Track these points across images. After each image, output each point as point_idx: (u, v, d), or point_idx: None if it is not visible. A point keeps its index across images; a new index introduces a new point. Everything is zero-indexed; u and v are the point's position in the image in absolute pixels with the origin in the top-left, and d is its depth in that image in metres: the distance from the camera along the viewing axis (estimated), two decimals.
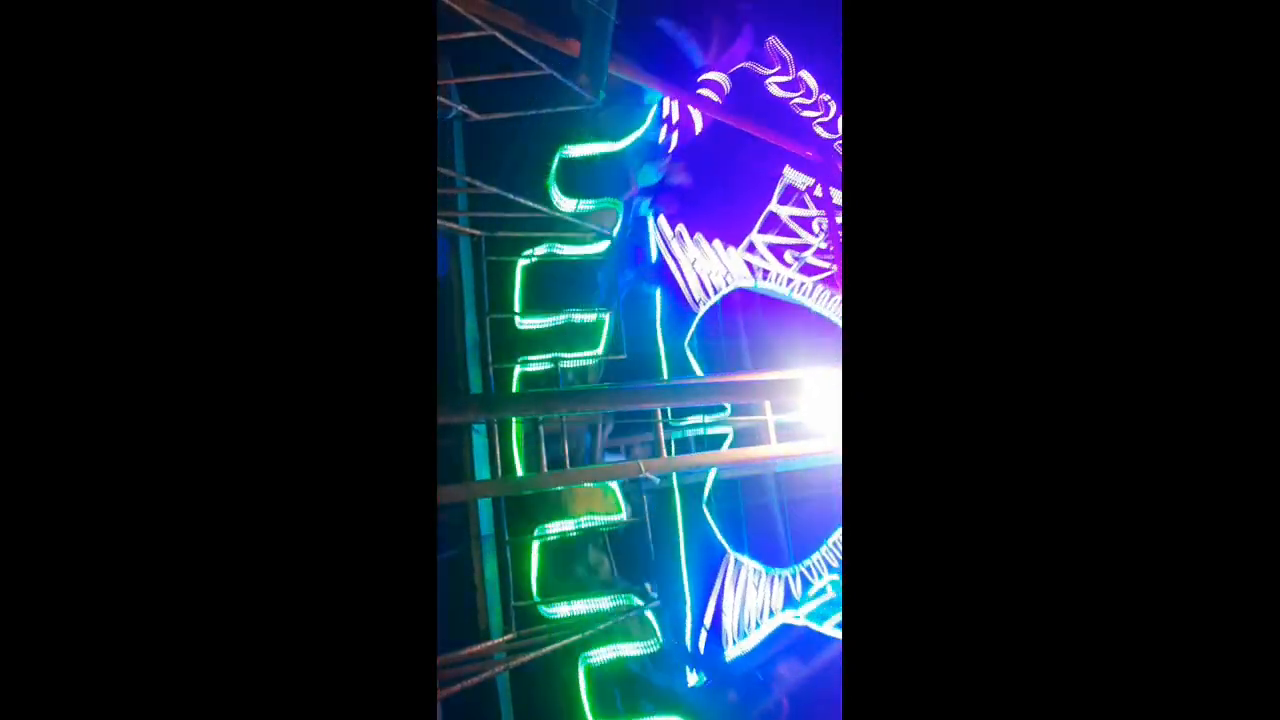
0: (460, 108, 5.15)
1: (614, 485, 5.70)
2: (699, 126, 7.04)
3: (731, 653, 6.40)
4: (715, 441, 6.62)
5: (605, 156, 6.22)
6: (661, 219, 6.90)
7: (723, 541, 6.64)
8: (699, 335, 6.94)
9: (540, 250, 5.82)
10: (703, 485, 6.56)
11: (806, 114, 7.74)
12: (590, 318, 5.90)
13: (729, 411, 6.67)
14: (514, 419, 5.34)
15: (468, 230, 5.53)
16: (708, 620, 6.38)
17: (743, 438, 6.63)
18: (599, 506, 5.64)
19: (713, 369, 6.73)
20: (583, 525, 5.51)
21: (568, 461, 5.43)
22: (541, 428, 5.50)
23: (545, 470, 5.33)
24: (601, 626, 5.13)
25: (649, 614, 5.55)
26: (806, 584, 7.03)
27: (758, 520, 7.13)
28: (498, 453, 5.23)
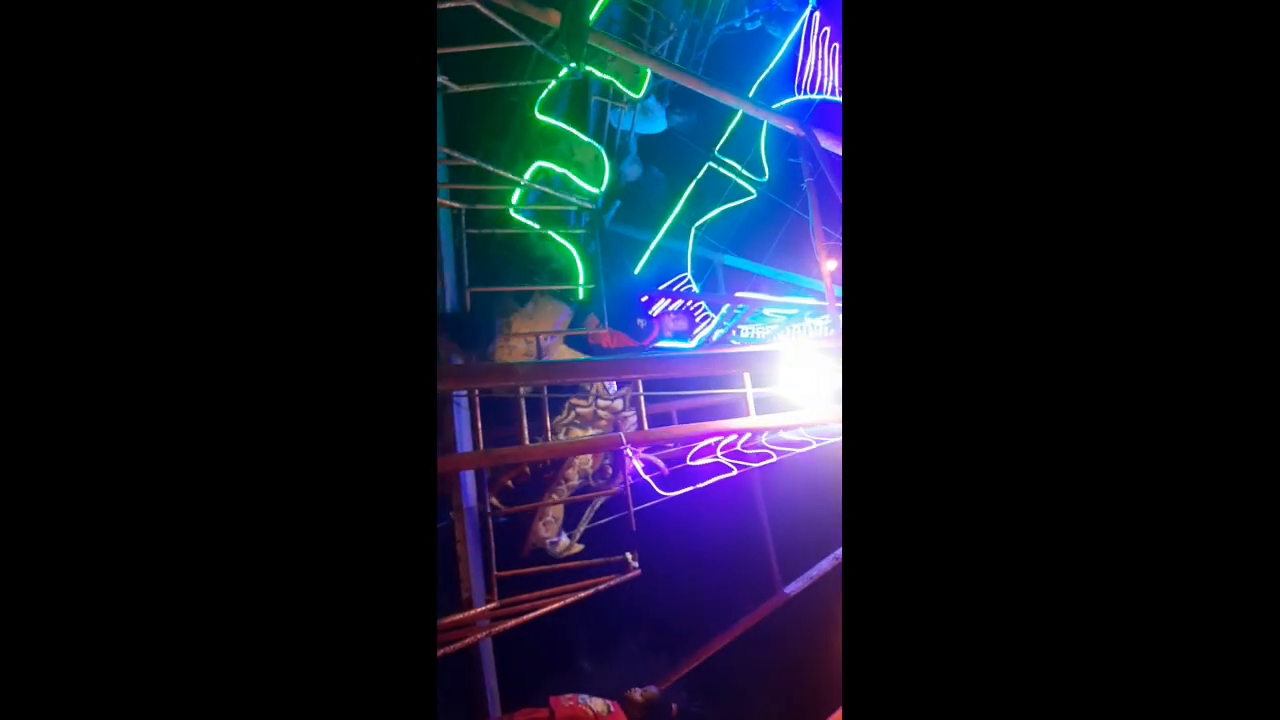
0: (440, 79, 5.12)
1: None
2: None
3: None
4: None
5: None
6: None
7: None
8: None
9: None
10: None
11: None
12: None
13: None
14: None
15: (447, 203, 5.51)
16: None
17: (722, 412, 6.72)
18: None
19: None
20: None
21: (549, 434, 5.48)
22: None
23: (526, 441, 5.38)
24: (584, 595, 5.21)
25: None
26: None
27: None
28: (479, 424, 5.26)
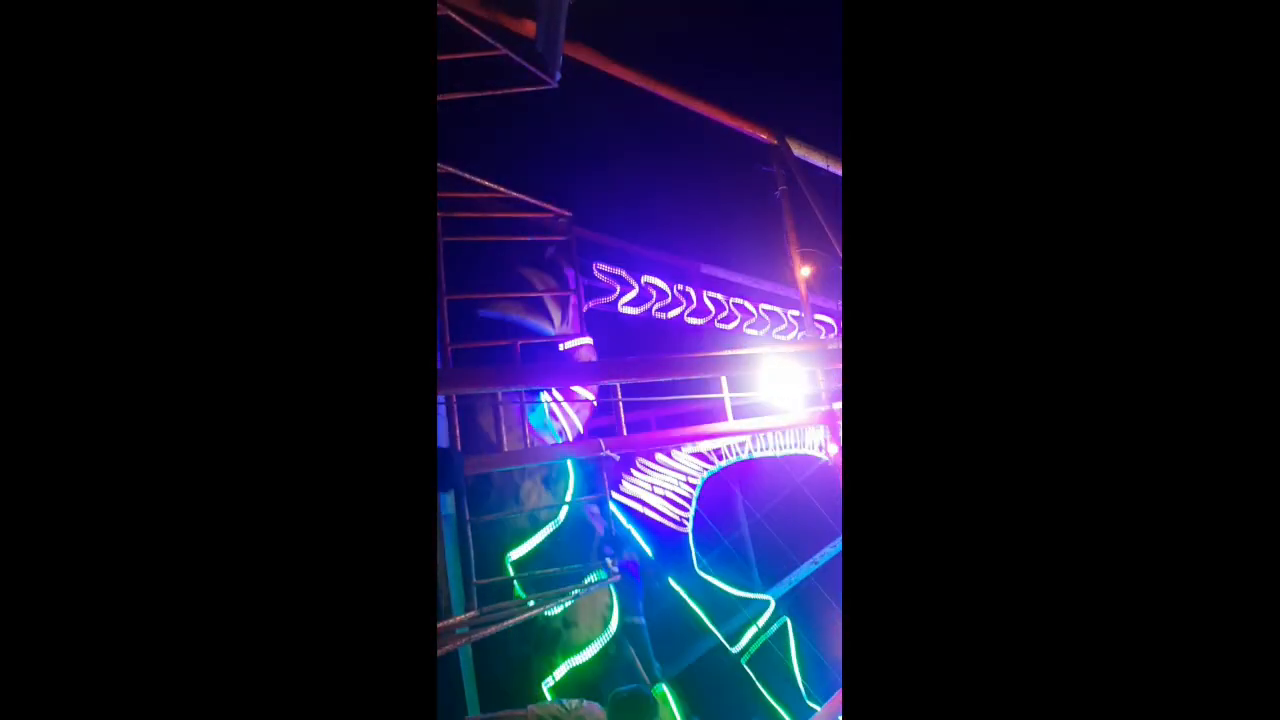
0: None
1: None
2: (594, 400, 6.52)
3: None
4: None
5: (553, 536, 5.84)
6: (613, 494, 6.58)
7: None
8: (701, 549, 6.90)
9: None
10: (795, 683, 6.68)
11: (672, 314, 7.56)
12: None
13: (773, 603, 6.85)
14: None
15: None
16: None
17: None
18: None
19: (735, 576, 6.80)
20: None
21: (528, 440, 5.48)
22: None
23: (505, 448, 5.38)
24: (566, 603, 5.20)
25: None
26: None
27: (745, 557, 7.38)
28: (457, 432, 5.25)
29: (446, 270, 5.47)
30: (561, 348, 6.32)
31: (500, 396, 5.43)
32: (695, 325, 7.68)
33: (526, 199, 5.84)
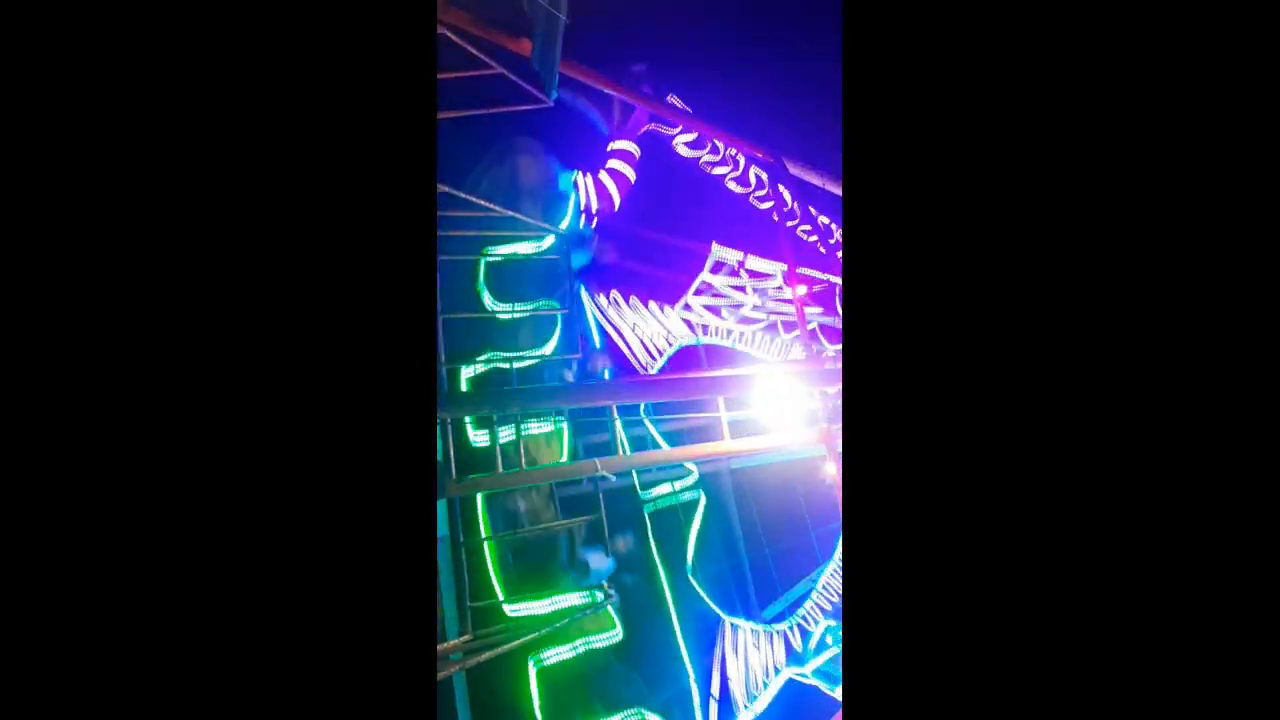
0: None
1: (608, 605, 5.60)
2: (617, 200, 6.87)
3: (744, 718, 6.39)
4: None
5: (532, 258, 5.97)
6: (599, 297, 6.78)
7: (714, 608, 6.67)
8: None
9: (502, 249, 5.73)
10: (684, 553, 6.63)
11: (717, 171, 7.74)
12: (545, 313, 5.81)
13: (697, 476, 6.80)
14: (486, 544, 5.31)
15: None
16: (715, 690, 6.34)
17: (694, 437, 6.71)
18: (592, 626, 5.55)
19: (674, 436, 6.75)
20: (580, 649, 5.45)
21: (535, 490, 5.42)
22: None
23: (500, 471, 5.31)
24: (559, 624, 5.12)
25: (610, 608, 5.55)
26: (805, 634, 7.10)
27: (742, 576, 7.23)
28: (452, 453, 5.18)
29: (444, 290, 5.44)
30: (610, 147, 6.64)
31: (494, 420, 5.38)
32: (733, 193, 7.78)
33: (522, 218, 5.81)
